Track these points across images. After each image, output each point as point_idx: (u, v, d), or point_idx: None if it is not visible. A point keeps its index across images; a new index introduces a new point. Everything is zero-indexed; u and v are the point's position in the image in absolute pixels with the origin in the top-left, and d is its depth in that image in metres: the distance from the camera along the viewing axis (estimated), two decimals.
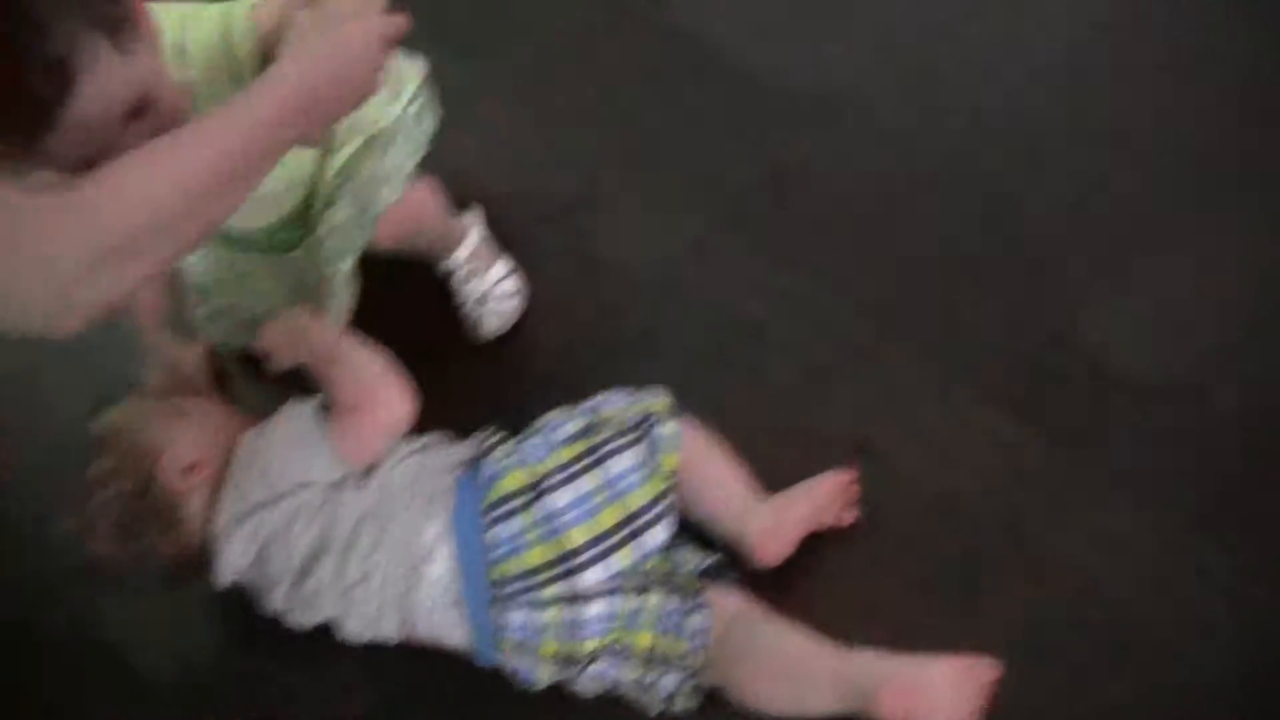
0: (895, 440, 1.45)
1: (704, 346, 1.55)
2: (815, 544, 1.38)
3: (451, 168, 1.61)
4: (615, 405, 1.37)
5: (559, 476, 1.29)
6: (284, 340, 1.40)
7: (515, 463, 1.31)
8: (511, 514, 1.28)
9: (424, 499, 1.31)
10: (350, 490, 1.32)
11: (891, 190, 1.61)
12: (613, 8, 1.81)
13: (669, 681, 1.30)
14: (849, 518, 1.40)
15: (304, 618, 1.35)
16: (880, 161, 1.63)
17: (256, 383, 1.49)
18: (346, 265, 1.45)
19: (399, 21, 1.20)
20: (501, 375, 1.57)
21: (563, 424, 1.35)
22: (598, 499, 1.28)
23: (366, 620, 1.33)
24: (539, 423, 1.38)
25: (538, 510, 1.27)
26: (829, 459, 1.42)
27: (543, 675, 1.31)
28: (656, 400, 1.37)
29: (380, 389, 1.34)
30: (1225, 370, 1.43)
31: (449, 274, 1.59)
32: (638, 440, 1.32)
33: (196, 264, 1.54)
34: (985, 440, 1.43)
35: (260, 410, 1.40)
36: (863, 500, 1.41)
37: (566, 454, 1.31)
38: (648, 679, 1.30)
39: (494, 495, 1.29)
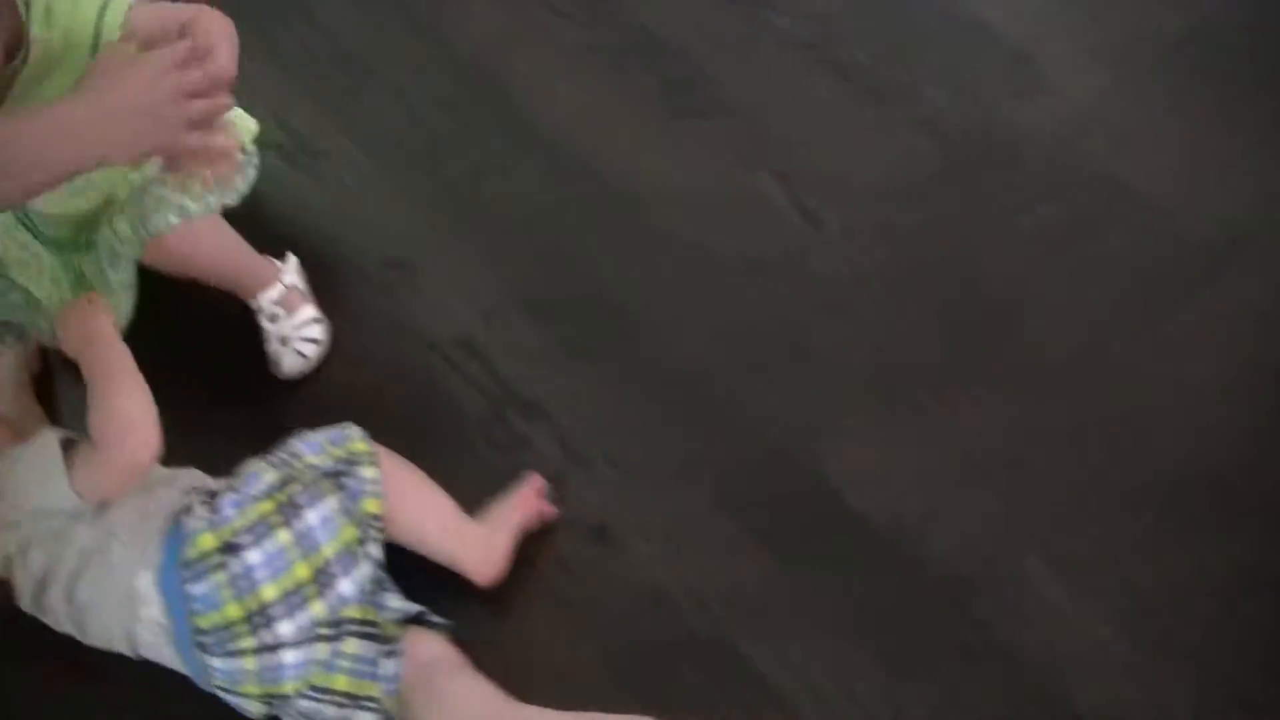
0: (632, 531, 1.54)
1: (478, 418, 1.63)
2: (528, 607, 1.49)
3: (284, 211, 1.72)
4: (313, 451, 1.44)
5: (251, 535, 1.35)
6: (74, 330, 1.46)
7: (206, 525, 1.36)
8: (205, 573, 1.33)
9: (141, 545, 1.36)
10: (83, 524, 1.37)
11: (682, 297, 1.71)
12: (469, 90, 1.92)
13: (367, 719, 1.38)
14: (549, 510, 1.53)
15: (51, 623, 1.42)
16: (682, 268, 1.73)
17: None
18: (117, 274, 1.53)
19: (208, 81, 1.29)
20: (288, 416, 1.63)
21: (259, 476, 1.41)
22: (290, 555, 1.35)
23: (100, 640, 1.40)
24: (238, 473, 1.43)
25: (232, 568, 1.33)
26: (568, 538, 1.52)
27: (254, 710, 1.39)
28: (353, 442, 1.45)
29: (128, 433, 1.38)
30: (944, 519, 1.51)
31: (257, 311, 1.68)
32: (335, 488, 1.39)
33: None
34: (716, 547, 1.52)
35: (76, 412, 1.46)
36: (589, 580, 1.50)
37: (261, 510, 1.37)
38: (348, 716, 1.37)
39: (189, 554, 1.34)
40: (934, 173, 1.76)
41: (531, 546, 1.52)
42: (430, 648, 1.42)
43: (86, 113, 1.27)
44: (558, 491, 1.54)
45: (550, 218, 1.79)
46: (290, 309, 1.68)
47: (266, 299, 1.67)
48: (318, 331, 1.69)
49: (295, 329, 1.68)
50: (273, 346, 1.68)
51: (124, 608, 1.36)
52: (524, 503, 1.52)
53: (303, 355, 1.67)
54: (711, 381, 1.63)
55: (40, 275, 1.60)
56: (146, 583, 1.35)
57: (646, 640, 1.47)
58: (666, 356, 1.66)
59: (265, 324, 1.68)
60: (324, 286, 1.72)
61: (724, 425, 1.60)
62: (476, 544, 1.49)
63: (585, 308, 1.71)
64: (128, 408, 1.38)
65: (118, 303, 1.55)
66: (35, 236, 1.59)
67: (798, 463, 1.56)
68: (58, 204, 1.53)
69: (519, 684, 1.40)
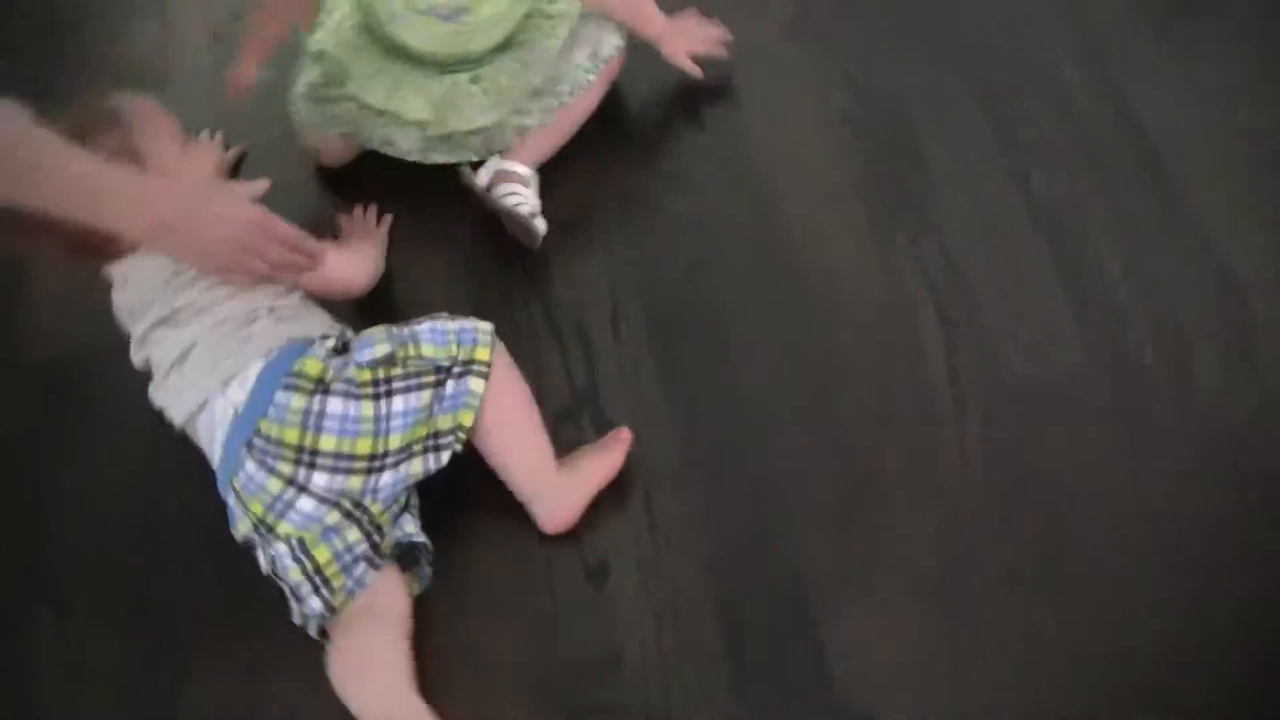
0: (630, 587, 1.52)
1: (556, 406, 1.65)
2: (495, 601, 1.51)
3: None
4: (435, 343, 1.47)
5: (344, 388, 1.41)
6: (358, 228, 1.75)
7: (323, 357, 1.44)
8: (296, 389, 1.40)
9: (279, 337, 1.45)
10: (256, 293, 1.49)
11: (795, 404, 1.68)
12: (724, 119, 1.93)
13: (314, 605, 1.42)
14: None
15: (136, 355, 1.53)
16: (813, 376, 1.70)
17: None
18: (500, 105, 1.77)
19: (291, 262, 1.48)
20: (408, 305, 1.71)
21: (370, 346, 1.46)
22: (362, 426, 1.41)
23: (167, 393, 1.48)
24: (357, 337, 1.50)
25: (314, 403, 1.40)
26: (570, 560, 1.54)
27: (242, 527, 1.45)
28: (479, 347, 1.48)
29: (361, 273, 1.66)
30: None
31: (506, 188, 1.76)
32: (434, 384, 1.44)
33: (339, 54, 1.75)
34: (694, 645, 1.49)
35: None
36: (564, 608, 1.50)
37: (358, 375, 1.43)
38: (302, 591, 1.42)
39: (296, 368, 1.42)
40: (1099, 404, 1.65)
41: (534, 549, 1.54)
42: (390, 592, 1.45)
43: (155, 207, 1.41)
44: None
45: (721, 263, 1.79)
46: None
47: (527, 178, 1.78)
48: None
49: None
50: (523, 215, 1.74)
51: (218, 380, 1.43)
52: (613, 463, 1.55)
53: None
54: (779, 492, 1.59)
55: (392, 90, 1.75)
56: (253, 371, 1.42)
57: (584, 693, 1.46)
58: (750, 446, 1.63)
59: (515, 195, 1.75)
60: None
61: (766, 538, 1.56)
62: (555, 495, 1.53)
63: (706, 365, 1.70)
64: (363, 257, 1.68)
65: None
66: (393, 55, 1.75)
67: (807, 608, 1.50)
68: (438, 44, 1.73)
69: (441, 665, 1.43)
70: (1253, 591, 1.51)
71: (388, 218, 1.78)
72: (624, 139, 1.91)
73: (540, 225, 1.75)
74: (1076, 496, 1.58)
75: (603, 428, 1.63)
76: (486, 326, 1.51)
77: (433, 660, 1.43)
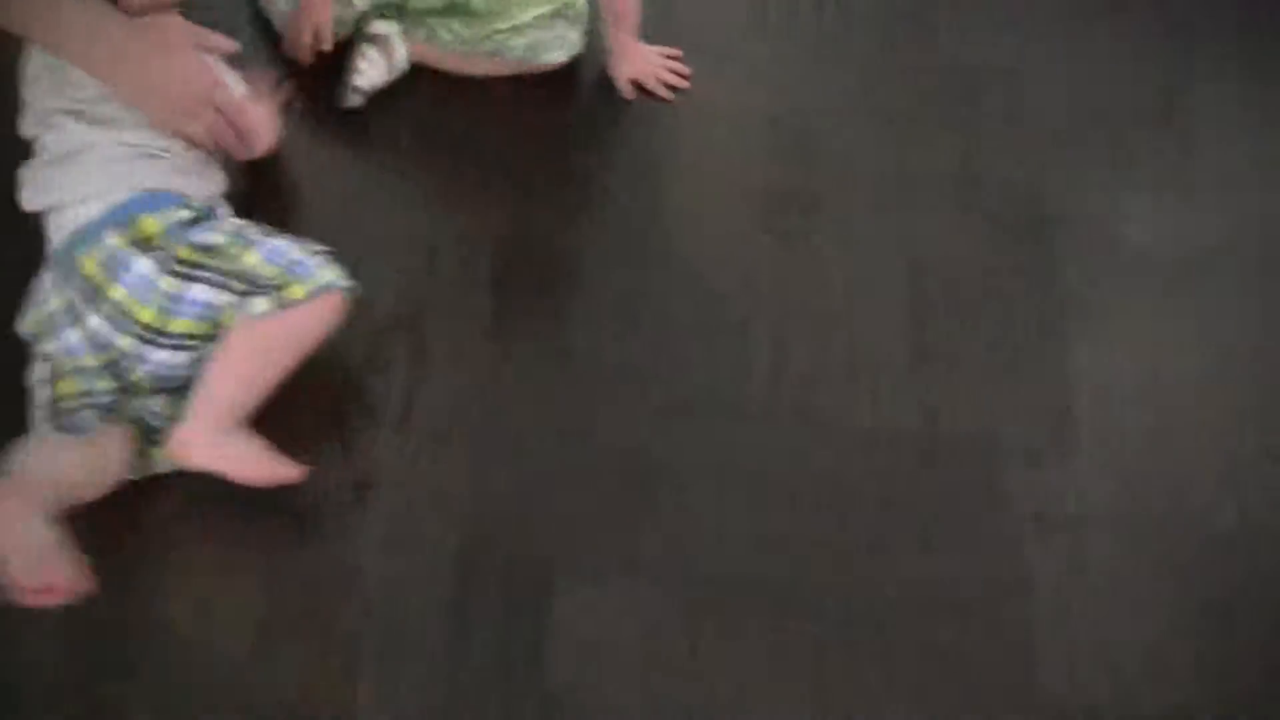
0: (379, 505, 1.54)
1: (384, 310, 1.66)
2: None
3: None
4: (268, 258, 1.46)
5: (160, 255, 1.43)
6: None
7: (164, 220, 1.45)
8: (120, 234, 1.43)
9: (150, 181, 1.48)
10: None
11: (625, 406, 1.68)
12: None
13: (44, 429, 1.43)
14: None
15: (28, 127, 1.53)
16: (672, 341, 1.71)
17: None
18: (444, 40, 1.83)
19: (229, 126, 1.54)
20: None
21: (209, 230, 1.47)
22: (152, 296, 1.42)
23: (41, 176, 1.50)
24: (212, 211, 1.53)
25: (126, 254, 1.43)
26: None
27: (24, 326, 1.48)
28: (300, 285, 1.45)
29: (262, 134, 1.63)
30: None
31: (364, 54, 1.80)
32: (241, 292, 1.43)
33: None
34: (419, 600, 1.49)
35: None
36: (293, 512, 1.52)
37: (182, 252, 1.44)
38: (38, 408, 1.44)
39: (136, 215, 1.44)
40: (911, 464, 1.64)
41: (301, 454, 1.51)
42: (109, 444, 1.43)
43: (122, 55, 1.46)
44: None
45: (599, 228, 1.80)
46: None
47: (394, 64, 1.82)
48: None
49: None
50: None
51: (90, 190, 1.46)
52: (258, 475, 1.46)
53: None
54: (565, 459, 1.59)
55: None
56: (112, 199, 1.45)
57: (307, 597, 1.47)
58: (553, 405, 1.63)
59: (367, 62, 1.79)
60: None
61: (535, 503, 1.56)
62: (212, 437, 1.44)
63: (544, 320, 1.71)
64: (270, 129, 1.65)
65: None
66: None
67: (545, 577, 1.50)
68: None
69: (182, 549, 1.48)
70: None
71: (287, 85, 1.76)
72: (555, 94, 1.91)
73: (355, 100, 1.79)
74: (852, 530, 1.59)
75: (418, 351, 1.64)
76: (330, 279, 1.47)
77: (164, 533, 1.47)
